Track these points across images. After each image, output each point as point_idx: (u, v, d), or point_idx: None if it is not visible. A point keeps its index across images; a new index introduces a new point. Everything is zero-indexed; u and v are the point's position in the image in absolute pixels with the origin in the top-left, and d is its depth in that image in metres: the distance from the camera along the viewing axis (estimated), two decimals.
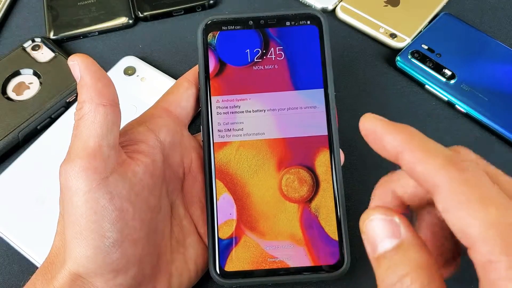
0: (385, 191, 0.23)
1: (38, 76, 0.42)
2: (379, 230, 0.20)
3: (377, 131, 0.21)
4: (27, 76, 0.42)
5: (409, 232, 0.20)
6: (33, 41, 0.44)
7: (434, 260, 0.19)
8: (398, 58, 0.43)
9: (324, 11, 0.47)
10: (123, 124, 0.29)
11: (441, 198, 0.18)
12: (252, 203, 0.30)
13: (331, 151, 0.31)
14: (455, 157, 0.19)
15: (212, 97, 0.32)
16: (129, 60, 0.43)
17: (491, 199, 0.17)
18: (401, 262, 0.19)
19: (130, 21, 0.46)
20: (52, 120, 0.40)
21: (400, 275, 0.18)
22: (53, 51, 0.43)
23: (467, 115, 0.41)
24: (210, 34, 0.32)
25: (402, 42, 0.44)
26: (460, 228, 0.18)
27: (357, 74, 0.43)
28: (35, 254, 0.34)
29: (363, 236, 0.21)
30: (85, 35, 0.46)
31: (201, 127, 0.32)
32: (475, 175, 0.18)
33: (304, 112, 0.31)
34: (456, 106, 0.41)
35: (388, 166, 0.38)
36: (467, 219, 0.17)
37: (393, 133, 0.20)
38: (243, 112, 0.31)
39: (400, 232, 0.20)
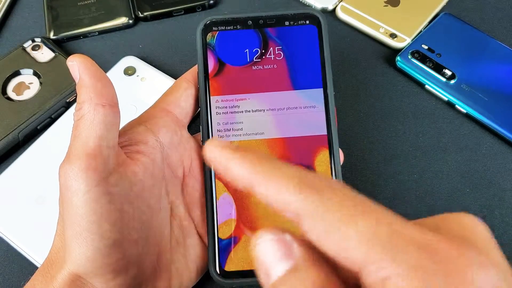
0: None
1: (38, 76, 0.42)
2: (270, 253, 0.17)
3: (222, 161, 0.19)
4: (27, 76, 0.42)
5: (304, 250, 0.17)
6: (33, 41, 0.44)
7: (337, 277, 0.16)
8: (398, 58, 0.43)
9: (324, 11, 0.47)
10: (123, 123, 0.29)
11: (310, 229, 0.16)
12: (252, 203, 0.30)
13: (331, 151, 0.31)
14: (309, 177, 0.17)
15: (211, 97, 0.32)
16: (129, 60, 0.43)
17: (359, 211, 0.16)
18: (299, 287, 0.16)
19: (130, 21, 0.46)
20: (52, 120, 0.40)
21: None
22: (53, 51, 0.43)
23: (467, 115, 0.40)
24: (209, 34, 0.32)
25: (402, 42, 0.44)
26: (341, 256, 0.15)
27: (357, 74, 0.43)
28: (35, 254, 0.34)
29: (255, 265, 0.17)
30: (85, 35, 0.46)
31: (201, 127, 0.32)
32: (333, 191, 0.16)
33: (303, 112, 0.31)
34: (456, 106, 0.41)
35: (387, 166, 0.38)
36: (343, 243, 0.15)
37: (239, 162, 0.18)
38: (242, 112, 0.31)
39: (292, 252, 0.17)
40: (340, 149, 0.31)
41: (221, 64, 0.32)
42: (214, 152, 0.19)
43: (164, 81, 0.42)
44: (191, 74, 0.33)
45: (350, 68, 0.44)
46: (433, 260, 0.14)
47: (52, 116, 0.40)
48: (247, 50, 0.32)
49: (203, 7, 0.48)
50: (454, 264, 0.14)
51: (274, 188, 0.17)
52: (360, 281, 0.15)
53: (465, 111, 0.40)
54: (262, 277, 0.17)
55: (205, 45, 0.32)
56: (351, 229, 0.15)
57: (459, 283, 0.14)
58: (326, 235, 0.16)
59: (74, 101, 0.41)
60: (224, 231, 0.30)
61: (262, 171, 0.17)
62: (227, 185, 0.31)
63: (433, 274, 0.14)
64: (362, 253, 0.15)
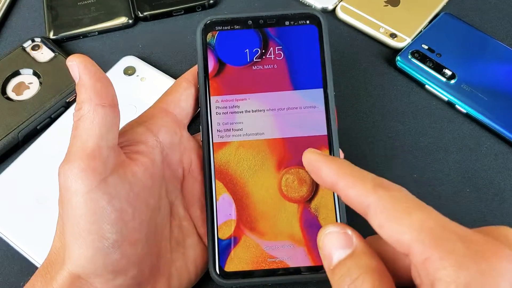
0: None
1: (38, 76, 0.42)
2: (333, 243, 0.22)
3: (315, 164, 0.24)
4: (27, 76, 0.42)
5: (361, 242, 0.22)
6: (33, 41, 0.44)
7: (385, 266, 0.21)
8: (398, 58, 0.43)
9: (324, 11, 0.47)
10: (123, 123, 0.29)
11: (374, 216, 0.20)
12: (252, 203, 0.30)
13: (331, 151, 0.31)
14: (381, 180, 0.22)
15: (211, 97, 0.32)
16: (129, 60, 0.43)
17: (415, 207, 0.20)
18: (354, 268, 0.21)
19: (130, 21, 0.46)
20: (52, 120, 0.40)
21: (353, 278, 0.20)
22: (53, 51, 0.43)
23: (467, 115, 0.40)
24: (209, 34, 0.32)
25: (402, 42, 0.44)
26: (395, 238, 0.19)
27: (357, 74, 0.43)
28: (35, 254, 0.34)
29: (320, 253, 0.23)
30: (85, 35, 0.46)
31: (201, 127, 0.32)
32: (398, 191, 0.21)
33: (303, 112, 0.31)
34: (456, 106, 0.41)
35: (388, 166, 0.38)
36: (398, 228, 0.19)
37: (328, 164, 0.23)
38: (242, 112, 0.31)
39: (352, 242, 0.22)
40: (340, 149, 0.31)
41: (221, 64, 0.32)
42: (312, 155, 0.25)
43: (164, 81, 0.42)
44: (191, 74, 0.33)
45: (350, 68, 0.44)
46: (469, 247, 0.18)
47: (52, 116, 0.40)
48: (247, 50, 0.32)
49: (203, 7, 0.48)
50: (486, 253, 0.18)
51: (353, 183, 0.22)
52: (410, 260, 0.19)
53: (465, 111, 0.40)
54: (325, 265, 0.23)
55: (205, 45, 0.32)
56: (406, 219, 0.19)
57: (487, 268, 0.17)
58: (386, 222, 0.20)
59: (74, 101, 0.41)
60: (224, 232, 0.30)
61: (346, 171, 0.23)
62: (227, 186, 0.31)
63: (467, 258, 0.17)
64: (411, 238, 0.19)
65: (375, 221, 0.20)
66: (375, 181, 0.21)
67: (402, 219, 0.19)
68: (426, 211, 0.20)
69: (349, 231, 0.22)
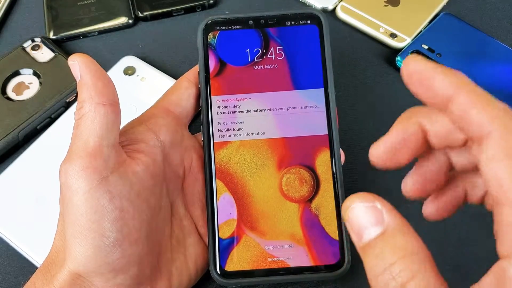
0: (410, 122, 0.22)
1: (38, 76, 0.42)
2: (362, 218, 0.19)
3: (426, 72, 0.20)
4: (27, 76, 0.42)
5: (393, 217, 0.19)
6: (33, 41, 0.44)
7: (421, 243, 0.19)
8: (398, 58, 0.43)
9: (324, 11, 0.47)
10: (123, 123, 0.29)
11: (489, 146, 0.17)
12: (253, 203, 0.30)
13: (332, 151, 0.31)
14: (506, 108, 0.18)
15: (212, 96, 0.32)
16: (129, 60, 0.43)
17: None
18: (388, 250, 0.18)
19: (130, 21, 0.46)
20: (52, 120, 0.40)
21: (388, 263, 0.18)
22: (53, 51, 0.43)
23: None
24: (210, 34, 0.32)
25: (402, 42, 0.44)
26: (498, 180, 0.17)
27: (357, 74, 0.43)
28: (35, 254, 0.34)
29: (347, 224, 0.20)
30: (85, 35, 0.46)
31: (201, 126, 0.32)
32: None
33: (304, 112, 0.31)
34: None
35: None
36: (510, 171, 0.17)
37: (446, 74, 0.19)
38: (243, 111, 0.31)
39: (383, 218, 0.19)
40: (341, 149, 0.31)
41: (222, 64, 0.32)
42: (419, 62, 0.20)
43: (164, 81, 0.42)
44: (192, 73, 0.33)
45: (350, 68, 0.44)
46: None
47: (52, 116, 0.40)
48: (248, 50, 0.32)
49: (203, 7, 0.48)
50: None
51: (478, 103, 0.18)
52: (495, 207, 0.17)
53: None
54: (354, 238, 0.20)
55: (206, 45, 0.32)
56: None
57: None
58: (501, 157, 0.17)
59: (74, 101, 0.41)
60: (224, 231, 0.30)
61: (470, 87, 0.18)
62: (227, 185, 0.31)
63: None
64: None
65: (488, 151, 0.17)
66: (503, 108, 0.18)
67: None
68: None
69: (379, 204, 0.19)
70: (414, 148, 0.21)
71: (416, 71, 0.20)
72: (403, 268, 0.18)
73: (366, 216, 0.19)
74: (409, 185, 0.23)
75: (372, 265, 0.19)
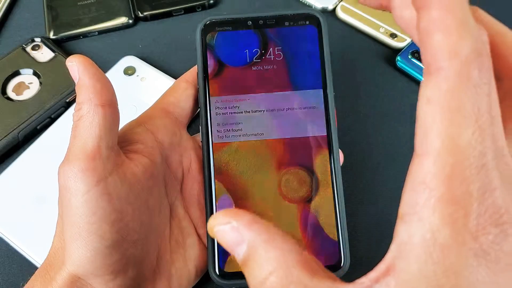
0: None
1: (38, 76, 0.42)
2: (227, 240, 0.19)
3: None
4: (27, 76, 0.42)
5: (252, 232, 0.19)
6: (33, 41, 0.44)
7: (290, 244, 0.19)
8: (398, 58, 0.43)
9: (324, 11, 0.47)
10: (123, 123, 0.29)
11: (432, 83, 0.16)
12: (252, 204, 0.30)
13: (331, 152, 0.31)
14: (481, 51, 0.15)
15: (211, 97, 0.32)
16: (129, 60, 0.43)
17: (477, 122, 0.15)
18: (258, 265, 0.18)
19: (130, 21, 0.46)
20: (52, 120, 0.40)
21: (263, 277, 0.18)
22: (53, 51, 0.43)
23: None
24: (209, 34, 0.32)
25: (402, 42, 0.44)
26: (426, 127, 0.16)
27: (357, 74, 0.43)
28: (35, 254, 0.34)
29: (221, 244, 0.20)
30: (85, 35, 0.46)
31: (200, 127, 0.31)
32: (484, 87, 0.15)
33: (303, 113, 0.31)
34: None
35: (387, 167, 0.38)
36: (439, 134, 0.15)
37: None
38: (242, 112, 0.31)
39: (242, 236, 0.19)
40: (340, 150, 0.31)
41: (220, 65, 0.32)
42: None
43: (164, 81, 0.42)
44: (191, 74, 0.33)
45: (350, 68, 0.44)
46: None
47: (52, 116, 0.40)
48: (247, 50, 0.32)
49: (203, 7, 0.48)
50: None
51: (448, 29, 0.15)
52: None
53: None
54: (231, 254, 0.20)
55: (205, 46, 0.32)
56: (456, 130, 0.15)
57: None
58: (437, 106, 0.15)
59: (74, 101, 0.41)
60: None
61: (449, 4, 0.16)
62: (226, 186, 0.31)
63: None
64: (435, 151, 0.15)
65: (427, 91, 0.16)
66: (474, 49, 0.15)
67: (451, 126, 0.15)
68: (482, 135, 0.15)
69: (235, 223, 0.19)
70: None
71: None
72: (275, 277, 0.18)
73: (229, 237, 0.19)
74: None
75: (250, 280, 0.19)
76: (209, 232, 0.20)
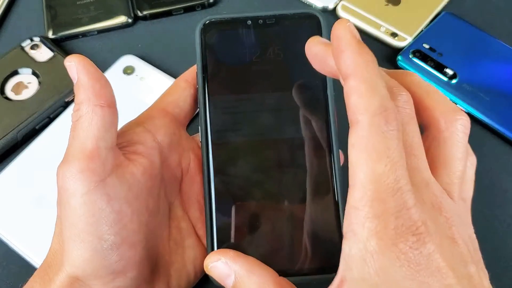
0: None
1: (37, 76, 0.42)
2: (220, 273, 0.24)
3: (340, 46, 0.21)
4: (25, 75, 0.42)
5: (237, 264, 0.24)
6: (32, 40, 0.44)
7: (267, 271, 0.24)
8: (399, 57, 0.43)
9: (324, 10, 0.47)
10: (122, 123, 0.29)
11: (354, 133, 0.20)
12: (251, 204, 0.30)
13: (331, 152, 0.31)
14: (387, 106, 0.20)
15: (210, 97, 0.31)
16: (128, 59, 0.43)
17: (389, 157, 0.19)
18: None
19: (130, 20, 0.46)
20: (50, 120, 0.40)
21: None
22: (52, 50, 0.43)
23: (468, 115, 0.40)
24: (208, 34, 0.32)
25: (403, 41, 0.44)
26: (354, 171, 0.20)
27: None
28: (34, 254, 0.34)
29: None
30: (84, 35, 0.46)
31: (199, 127, 0.31)
32: (391, 133, 0.20)
33: (303, 113, 0.31)
34: (458, 105, 0.40)
35: None
36: (362, 169, 0.20)
37: (353, 52, 0.21)
38: (241, 112, 0.31)
39: (230, 269, 0.24)
40: (340, 150, 0.31)
41: (220, 64, 0.32)
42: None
43: (163, 80, 0.42)
44: (190, 74, 0.33)
45: None
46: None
47: (51, 116, 0.40)
48: (246, 50, 0.32)
49: (203, 6, 0.47)
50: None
51: (362, 91, 0.20)
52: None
53: (466, 111, 0.40)
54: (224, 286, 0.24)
55: (204, 45, 0.32)
56: (373, 164, 0.20)
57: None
58: (359, 148, 0.20)
59: (73, 101, 0.41)
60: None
61: (364, 71, 0.21)
62: (226, 186, 0.30)
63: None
64: (361, 181, 0.20)
65: (352, 138, 0.21)
66: (381, 104, 0.20)
67: (369, 161, 0.19)
68: (393, 166, 0.19)
69: (223, 259, 0.24)
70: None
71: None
72: None
73: (221, 271, 0.24)
74: None
75: None
76: (205, 270, 0.25)
